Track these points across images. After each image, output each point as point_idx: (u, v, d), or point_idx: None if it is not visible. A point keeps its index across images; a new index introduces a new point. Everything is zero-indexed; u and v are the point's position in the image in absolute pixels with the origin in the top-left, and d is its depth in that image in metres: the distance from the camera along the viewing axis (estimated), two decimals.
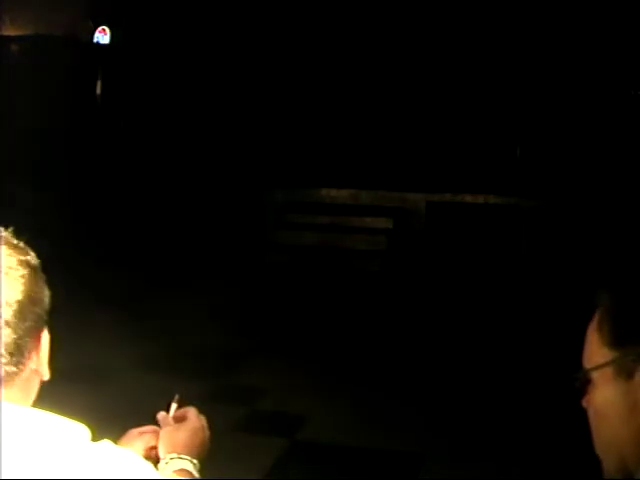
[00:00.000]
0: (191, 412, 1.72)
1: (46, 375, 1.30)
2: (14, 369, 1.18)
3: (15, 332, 1.17)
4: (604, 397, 1.18)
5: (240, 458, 4.95)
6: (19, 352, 1.18)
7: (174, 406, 1.70)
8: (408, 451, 5.32)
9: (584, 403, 1.23)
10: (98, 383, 6.18)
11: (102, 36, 12.07)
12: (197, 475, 1.58)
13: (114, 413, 5.48)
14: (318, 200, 11.80)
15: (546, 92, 11.35)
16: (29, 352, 1.21)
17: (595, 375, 1.19)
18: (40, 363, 1.27)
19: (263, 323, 8.14)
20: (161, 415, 1.69)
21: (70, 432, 1.15)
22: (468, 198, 11.38)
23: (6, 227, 1.28)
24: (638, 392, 1.14)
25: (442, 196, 11.43)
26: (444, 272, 10.38)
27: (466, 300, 9.03)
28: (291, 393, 6.23)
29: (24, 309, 1.18)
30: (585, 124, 11.11)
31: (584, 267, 8.81)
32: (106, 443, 1.19)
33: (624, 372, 1.15)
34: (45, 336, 1.28)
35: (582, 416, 1.25)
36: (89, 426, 1.20)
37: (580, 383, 1.21)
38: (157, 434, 1.66)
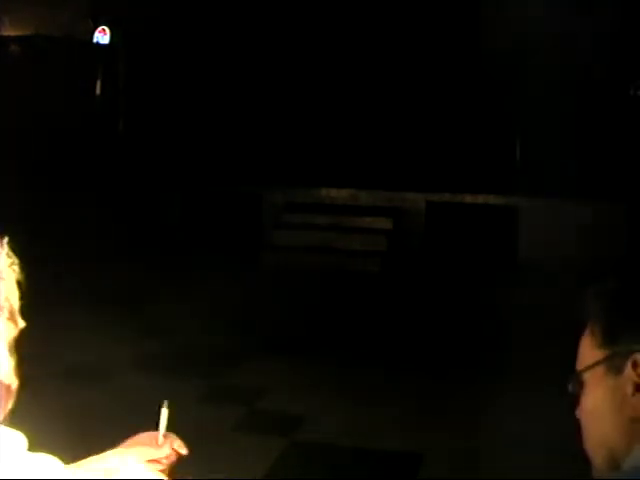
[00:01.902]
0: (171, 442, 1.62)
1: None
2: None
3: None
4: (595, 397, 1.23)
5: (240, 458, 4.96)
6: None
7: (165, 412, 1.65)
8: (407, 451, 5.32)
9: (577, 414, 1.27)
10: (98, 383, 6.19)
11: (102, 36, 12.08)
12: None
13: (114, 413, 5.49)
14: (318, 200, 11.80)
15: (546, 92, 11.35)
16: None
17: (587, 376, 1.24)
18: None
19: (263, 323, 8.14)
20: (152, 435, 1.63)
21: (6, 441, 1.14)
22: (468, 198, 11.38)
23: (5, 227, 1.28)
24: (626, 387, 1.18)
25: (442, 196, 11.43)
26: (444, 272, 10.38)
27: (466, 300, 9.03)
28: (291, 393, 6.23)
29: None
30: (585, 124, 11.11)
31: (581, 267, 8.80)
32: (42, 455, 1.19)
33: (614, 368, 1.20)
34: None
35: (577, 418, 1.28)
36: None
37: (573, 386, 1.25)
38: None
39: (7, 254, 1.26)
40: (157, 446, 1.60)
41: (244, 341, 7.53)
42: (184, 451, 1.61)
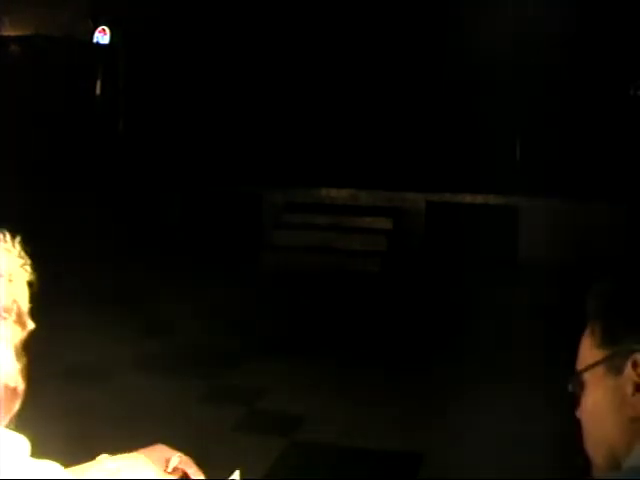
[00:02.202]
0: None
1: None
2: None
3: None
4: (595, 397, 1.23)
5: (240, 458, 4.95)
6: None
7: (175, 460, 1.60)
8: (407, 451, 5.32)
9: (577, 414, 1.27)
10: (98, 383, 6.19)
11: (102, 36, 12.08)
12: None
13: (114, 413, 5.49)
14: (318, 200, 11.80)
15: (546, 92, 11.35)
16: None
17: (587, 376, 1.24)
18: None
19: (263, 323, 8.14)
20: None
21: (8, 444, 1.13)
22: (468, 198, 11.38)
23: (5, 227, 1.26)
24: (626, 386, 1.18)
25: (442, 196, 11.43)
26: (444, 272, 10.38)
27: (466, 300, 9.02)
28: (291, 393, 6.23)
29: None
30: (585, 124, 11.12)
31: (582, 267, 8.80)
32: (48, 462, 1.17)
33: (614, 368, 1.20)
34: None
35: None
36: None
37: (573, 386, 1.25)
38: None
39: (19, 254, 1.24)
40: (170, 472, 1.56)
41: (244, 341, 7.53)
42: (201, 476, 1.58)
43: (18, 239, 1.25)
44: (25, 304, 1.24)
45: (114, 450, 1.54)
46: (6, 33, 11.25)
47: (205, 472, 1.60)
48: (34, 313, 1.27)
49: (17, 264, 1.23)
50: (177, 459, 1.55)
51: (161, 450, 1.57)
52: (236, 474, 1.58)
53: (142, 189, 11.74)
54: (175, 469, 1.55)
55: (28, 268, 1.25)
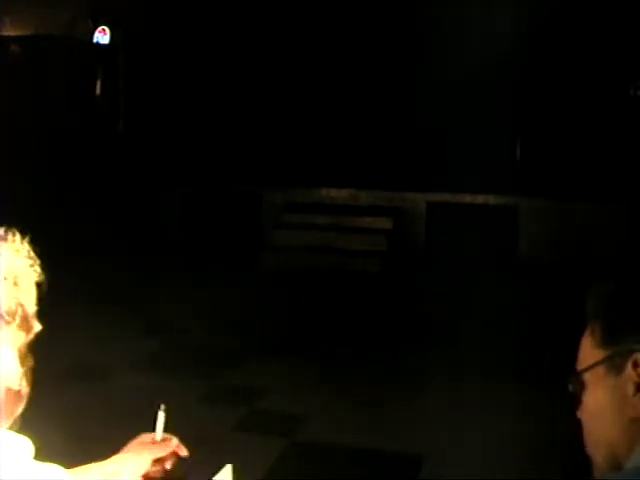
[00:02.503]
0: (172, 443, 1.64)
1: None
2: None
3: None
4: (595, 397, 1.23)
5: (240, 458, 4.94)
6: None
7: (162, 415, 1.66)
8: (408, 451, 5.32)
9: (578, 414, 1.27)
10: (98, 383, 6.19)
11: (102, 36, 12.07)
12: None
13: (114, 413, 5.49)
14: (318, 200, 11.80)
15: (546, 92, 11.35)
16: None
17: (587, 376, 1.24)
18: None
19: (263, 323, 8.14)
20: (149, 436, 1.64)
21: (12, 447, 1.13)
22: (468, 198, 11.38)
23: (6, 226, 1.24)
24: (627, 386, 1.18)
25: (442, 196, 11.43)
26: (444, 272, 10.37)
27: (466, 300, 9.02)
28: (291, 393, 6.23)
29: None
30: (585, 124, 11.11)
31: (582, 267, 8.81)
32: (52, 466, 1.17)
33: (614, 368, 1.20)
34: None
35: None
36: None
37: (573, 386, 1.25)
38: (165, 447, 1.63)
39: (28, 254, 1.21)
40: (158, 445, 1.60)
41: (244, 341, 7.53)
42: (184, 452, 1.61)
43: (27, 238, 1.22)
44: (31, 307, 1.22)
45: (114, 450, 1.54)
46: (6, 33, 11.25)
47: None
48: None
49: (25, 265, 1.21)
50: (161, 427, 1.63)
51: (145, 437, 1.63)
52: (227, 469, 1.60)
53: (142, 189, 11.74)
54: (164, 439, 1.62)
55: (37, 268, 1.22)
